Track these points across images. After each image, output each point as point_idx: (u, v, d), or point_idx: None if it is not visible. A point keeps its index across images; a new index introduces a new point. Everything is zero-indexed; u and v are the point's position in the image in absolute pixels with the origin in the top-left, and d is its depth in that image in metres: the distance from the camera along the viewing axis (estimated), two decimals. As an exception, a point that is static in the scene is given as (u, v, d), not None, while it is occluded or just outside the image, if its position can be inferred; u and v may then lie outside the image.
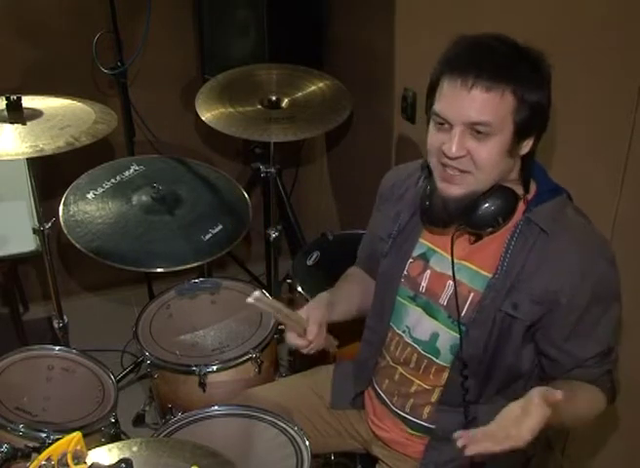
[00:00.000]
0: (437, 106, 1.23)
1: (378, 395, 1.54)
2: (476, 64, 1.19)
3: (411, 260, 1.44)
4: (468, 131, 1.21)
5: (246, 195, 2.21)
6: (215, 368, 1.88)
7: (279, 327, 2.06)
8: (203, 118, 2.16)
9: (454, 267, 1.34)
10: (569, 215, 1.30)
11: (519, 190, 1.31)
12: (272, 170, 2.31)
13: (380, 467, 1.57)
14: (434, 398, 1.43)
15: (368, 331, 1.57)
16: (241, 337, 2.03)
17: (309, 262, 2.22)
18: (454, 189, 1.27)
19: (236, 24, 2.52)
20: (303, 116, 2.18)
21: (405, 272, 1.45)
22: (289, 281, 2.22)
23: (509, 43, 1.23)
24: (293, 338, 1.45)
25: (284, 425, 1.51)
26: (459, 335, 1.35)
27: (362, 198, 2.65)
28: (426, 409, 1.44)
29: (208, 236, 2.04)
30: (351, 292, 1.61)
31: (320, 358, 1.75)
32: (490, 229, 1.29)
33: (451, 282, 1.36)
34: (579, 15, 1.48)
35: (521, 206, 1.30)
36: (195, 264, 1.99)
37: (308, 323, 1.43)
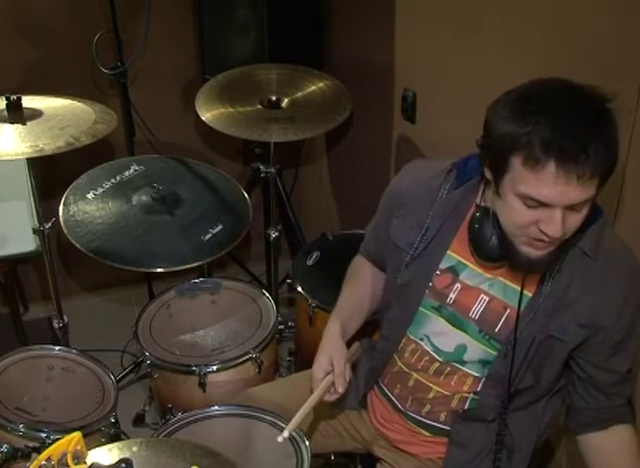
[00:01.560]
0: (531, 190, 1.13)
1: (387, 398, 1.52)
2: (583, 151, 1.09)
3: (437, 273, 1.40)
4: (571, 209, 1.16)
5: (246, 195, 2.21)
6: (215, 368, 1.88)
7: (279, 327, 2.06)
8: (203, 118, 2.16)
9: (520, 301, 1.30)
10: (608, 238, 1.29)
11: None
12: (272, 170, 2.31)
13: (381, 467, 1.57)
14: (454, 404, 1.42)
15: (382, 340, 1.53)
16: (241, 337, 2.03)
17: (309, 262, 2.22)
18: (540, 252, 1.22)
19: (236, 24, 2.52)
20: (303, 116, 2.18)
21: (430, 284, 1.41)
22: (289, 281, 2.22)
23: (592, 102, 1.14)
24: (328, 398, 1.45)
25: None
26: (492, 351, 1.35)
27: (362, 198, 2.65)
28: (443, 413, 1.44)
29: (208, 236, 2.04)
30: (361, 303, 1.59)
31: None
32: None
33: (484, 296, 1.35)
34: (578, 13, 1.48)
35: None
36: (195, 264, 1.99)
37: (334, 373, 1.43)
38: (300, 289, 2.08)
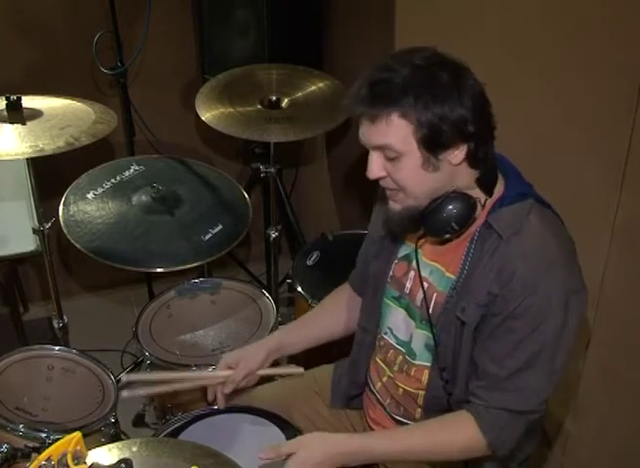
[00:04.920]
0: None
1: (375, 397, 1.53)
2: (356, 97, 1.24)
3: (396, 261, 1.46)
4: (382, 153, 1.26)
5: (246, 195, 2.21)
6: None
7: (279, 327, 2.06)
8: (203, 118, 2.15)
9: (419, 270, 1.37)
10: (531, 222, 1.27)
11: (478, 194, 1.30)
12: (272, 170, 2.31)
13: (376, 468, 1.58)
14: (420, 401, 1.43)
15: (359, 331, 1.57)
16: (241, 337, 2.03)
17: (309, 262, 2.22)
18: (393, 205, 1.33)
19: (236, 24, 2.52)
20: (303, 116, 2.18)
21: (391, 273, 1.46)
22: (289, 281, 2.22)
23: (409, 62, 1.21)
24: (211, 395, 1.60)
25: (284, 425, 1.51)
26: (431, 336, 1.36)
27: (362, 198, 2.65)
28: (418, 412, 1.44)
29: (208, 236, 2.04)
30: (316, 325, 1.66)
31: (321, 357, 1.75)
32: (448, 235, 1.30)
33: (425, 283, 1.38)
34: (578, 13, 1.48)
35: (483, 209, 1.30)
36: (195, 264, 1.99)
37: (232, 375, 1.55)
38: (299, 289, 2.09)
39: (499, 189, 1.32)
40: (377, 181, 1.33)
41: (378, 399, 1.52)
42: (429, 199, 1.28)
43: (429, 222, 1.29)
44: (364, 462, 1.35)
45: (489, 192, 1.30)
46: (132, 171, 2.22)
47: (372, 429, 1.56)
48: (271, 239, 2.39)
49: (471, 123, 1.21)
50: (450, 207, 1.27)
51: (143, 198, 2.12)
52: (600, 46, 1.44)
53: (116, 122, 1.94)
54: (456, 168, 1.26)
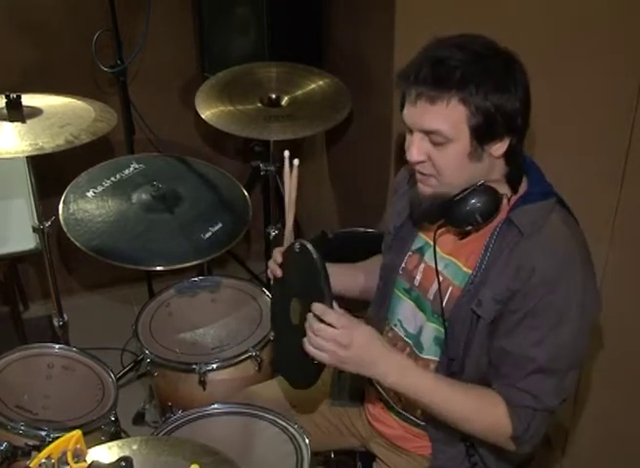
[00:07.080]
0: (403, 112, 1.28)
1: (376, 390, 1.53)
2: (417, 76, 1.22)
3: (409, 253, 1.46)
4: (427, 137, 1.25)
5: (246, 193, 2.21)
6: (215, 366, 1.88)
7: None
8: (203, 116, 2.16)
9: (436, 262, 1.35)
10: (552, 221, 1.27)
11: (505, 190, 1.31)
12: (272, 168, 2.31)
13: (377, 465, 1.58)
14: None
15: (367, 322, 1.56)
16: (241, 336, 2.03)
17: (309, 260, 2.21)
18: (424, 189, 1.32)
19: (236, 22, 2.52)
20: (303, 114, 2.18)
21: (403, 265, 1.47)
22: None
23: (468, 48, 1.22)
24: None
25: (284, 423, 1.51)
26: (442, 330, 1.35)
27: (362, 196, 2.65)
28: (418, 408, 1.44)
29: (208, 234, 2.03)
30: (357, 274, 1.66)
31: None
32: (469, 227, 1.30)
33: (440, 277, 1.37)
34: (578, 13, 1.48)
35: (506, 205, 1.31)
36: (195, 262, 1.99)
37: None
38: (299, 287, 2.08)
39: (522, 187, 1.33)
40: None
41: (380, 392, 1.52)
42: (461, 188, 1.28)
43: (453, 212, 1.29)
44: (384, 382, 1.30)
45: (515, 189, 1.31)
46: (132, 169, 2.22)
47: (372, 426, 1.57)
48: (271, 237, 2.39)
49: (520, 116, 1.22)
50: (477, 199, 1.27)
51: (143, 196, 2.12)
52: (600, 46, 1.44)
53: (116, 120, 1.94)
54: (494, 160, 1.26)
